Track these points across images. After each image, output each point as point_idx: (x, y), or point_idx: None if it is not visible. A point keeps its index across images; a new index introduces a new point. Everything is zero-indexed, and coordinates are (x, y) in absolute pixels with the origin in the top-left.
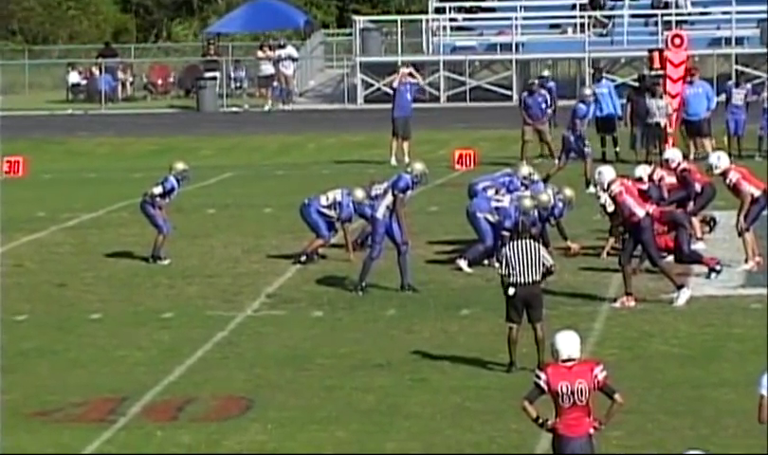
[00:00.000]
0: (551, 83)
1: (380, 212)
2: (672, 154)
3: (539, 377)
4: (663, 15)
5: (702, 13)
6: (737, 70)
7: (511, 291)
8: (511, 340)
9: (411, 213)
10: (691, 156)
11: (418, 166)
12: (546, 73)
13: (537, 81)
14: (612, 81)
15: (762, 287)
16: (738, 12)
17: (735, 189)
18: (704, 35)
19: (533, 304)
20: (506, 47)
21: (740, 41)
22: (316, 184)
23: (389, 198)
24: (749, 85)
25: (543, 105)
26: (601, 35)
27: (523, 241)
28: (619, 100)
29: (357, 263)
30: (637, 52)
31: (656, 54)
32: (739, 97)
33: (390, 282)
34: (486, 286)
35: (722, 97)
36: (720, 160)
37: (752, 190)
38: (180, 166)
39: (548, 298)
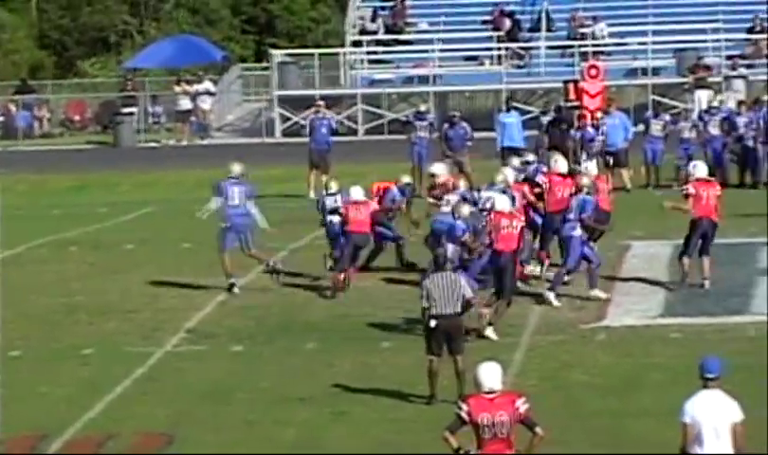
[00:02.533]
0: (431, 116)
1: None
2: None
3: (460, 408)
4: (579, 46)
5: (618, 44)
6: (653, 100)
7: (432, 323)
8: (431, 373)
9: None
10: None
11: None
12: (423, 108)
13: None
14: (528, 112)
15: (680, 317)
16: (654, 43)
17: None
18: (620, 66)
19: (454, 336)
20: (424, 80)
21: (656, 71)
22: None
23: None
24: (667, 116)
25: (464, 137)
26: (518, 67)
27: (444, 273)
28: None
29: (283, 296)
30: (554, 83)
31: (572, 85)
32: (657, 127)
33: (310, 315)
34: (407, 318)
35: (640, 127)
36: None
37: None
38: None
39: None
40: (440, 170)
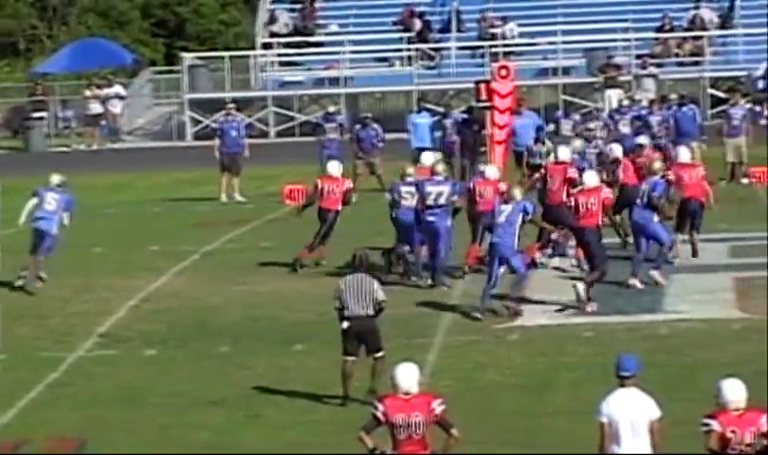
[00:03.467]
0: (340, 117)
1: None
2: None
3: (376, 408)
4: (490, 47)
5: (528, 44)
6: (564, 100)
7: (345, 325)
8: (345, 374)
9: (242, 250)
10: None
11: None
12: (332, 109)
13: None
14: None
15: (593, 316)
16: (564, 43)
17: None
18: (531, 66)
19: (367, 338)
20: (334, 82)
21: (566, 71)
22: (147, 222)
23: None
24: (577, 115)
25: (375, 139)
26: (429, 68)
27: (357, 275)
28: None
29: (203, 298)
30: (465, 84)
31: (483, 86)
32: (567, 127)
33: (223, 318)
34: (319, 321)
35: (551, 127)
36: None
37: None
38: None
39: (385, 330)
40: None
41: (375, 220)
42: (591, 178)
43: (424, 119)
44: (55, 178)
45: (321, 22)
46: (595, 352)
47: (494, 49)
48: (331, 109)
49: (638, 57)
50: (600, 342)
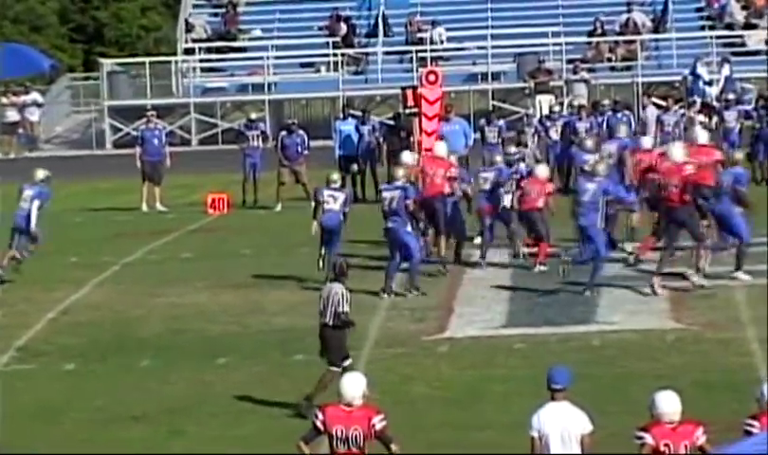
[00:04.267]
0: (262, 124)
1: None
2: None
3: (317, 417)
4: (417, 52)
5: (457, 49)
6: (494, 106)
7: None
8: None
9: (164, 261)
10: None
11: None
12: (254, 116)
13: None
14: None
15: (524, 327)
16: (493, 47)
17: None
18: (459, 71)
19: (325, 347)
20: (258, 88)
21: (496, 76)
22: (67, 233)
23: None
24: (501, 122)
25: (300, 146)
26: (355, 73)
27: (331, 283)
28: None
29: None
30: (392, 90)
31: (410, 92)
32: (492, 134)
33: (145, 331)
34: (243, 333)
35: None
36: None
37: None
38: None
39: (310, 342)
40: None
41: (301, 230)
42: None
43: (349, 126)
44: (39, 173)
45: (244, 27)
46: (526, 364)
47: (422, 54)
48: (253, 116)
49: (570, 62)
50: (531, 354)
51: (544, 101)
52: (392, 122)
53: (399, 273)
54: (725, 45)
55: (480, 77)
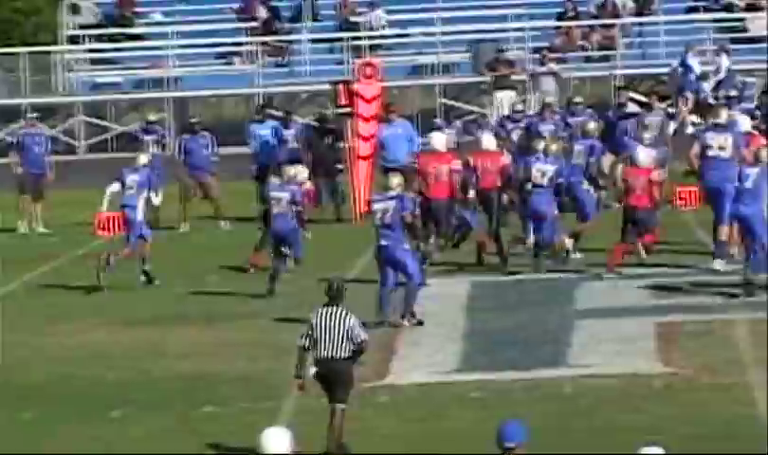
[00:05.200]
0: (159, 128)
1: None
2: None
3: None
4: (351, 39)
5: (399, 36)
6: (444, 104)
7: (313, 371)
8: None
9: (48, 293)
10: None
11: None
12: (153, 118)
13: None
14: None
15: (481, 371)
16: (443, 34)
17: None
18: (402, 63)
19: (335, 384)
20: (159, 83)
21: (447, 68)
22: None
23: None
24: (459, 123)
25: (206, 151)
26: (277, 66)
27: (333, 308)
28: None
29: None
30: (321, 85)
31: (342, 87)
32: (450, 137)
33: (27, 376)
34: (142, 380)
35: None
36: None
37: None
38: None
39: (222, 390)
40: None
41: (211, 254)
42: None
43: (267, 130)
44: (142, 158)
45: (142, 10)
46: (484, 416)
47: (356, 42)
48: (152, 118)
49: (535, 51)
50: (491, 404)
51: (505, 99)
52: (317, 124)
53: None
54: (723, 30)
55: (427, 69)
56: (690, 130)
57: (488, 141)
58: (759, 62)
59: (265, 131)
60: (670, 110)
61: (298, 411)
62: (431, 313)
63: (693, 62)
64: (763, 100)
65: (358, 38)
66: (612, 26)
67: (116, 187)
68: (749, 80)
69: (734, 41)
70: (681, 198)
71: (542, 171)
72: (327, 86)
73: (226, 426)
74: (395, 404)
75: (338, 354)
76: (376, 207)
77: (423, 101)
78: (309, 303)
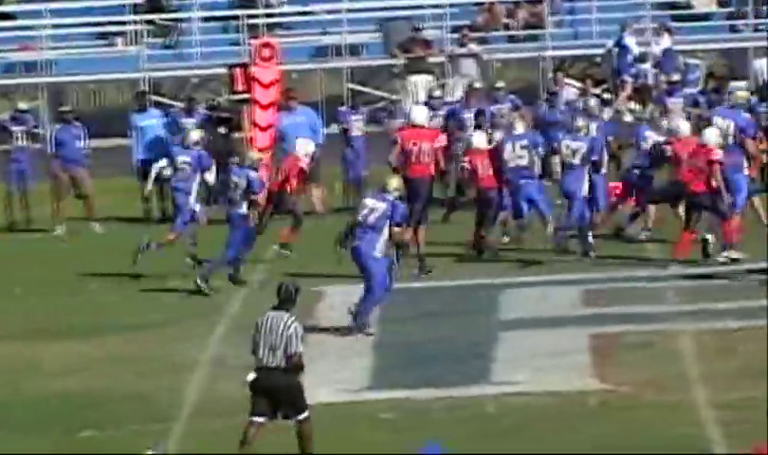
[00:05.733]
0: (30, 117)
1: None
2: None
3: None
4: (248, 18)
5: (301, 14)
6: (351, 90)
7: (249, 377)
8: (244, 439)
9: None
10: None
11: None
12: (23, 106)
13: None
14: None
15: (396, 389)
16: (350, 11)
17: None
18: (305, 43)
19: (280, 397)
20: (31, 67)
21: (354, 50)
22: None
23: None
24: (366, 110)
25: (79, 142)
26: (164, 47)
27: (278, 312)
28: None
29: None
30: (214, 69)
31: (238, 72)
32: (358, 125)
33: None
34: (13, 401)
35: (334, 127)
36: None
37: None
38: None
39: (104, 411)
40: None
41: (91, 258)
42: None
43: (152, 120)
44: (194, 135)
45: None
46: (398, 439)
47: (253, 21)
48: (23, 106)
49: (455, 30)
50: (405, 426)
51: (420, 84)
52: (210, 113)
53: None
54: (664, 6)
55: (332, 51)
56: (629, 118)
57: (419, 114)
58: (706, 41)
59: (147, 121)
60: (606, 96)
61: (189, 434)
62: (338, 323)
63: (630, 41)
64: (709, 84)
65: (255, 16)
66: (539, 2)
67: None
68: (693, 62)
69: (676, 18)
70: (616, 194)
71: (573, 149)
72: (221, 70)
73: (111, 451)
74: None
75: (275, 363)
76: (367, 201)
77: (328, 87)
78: (207, 313)
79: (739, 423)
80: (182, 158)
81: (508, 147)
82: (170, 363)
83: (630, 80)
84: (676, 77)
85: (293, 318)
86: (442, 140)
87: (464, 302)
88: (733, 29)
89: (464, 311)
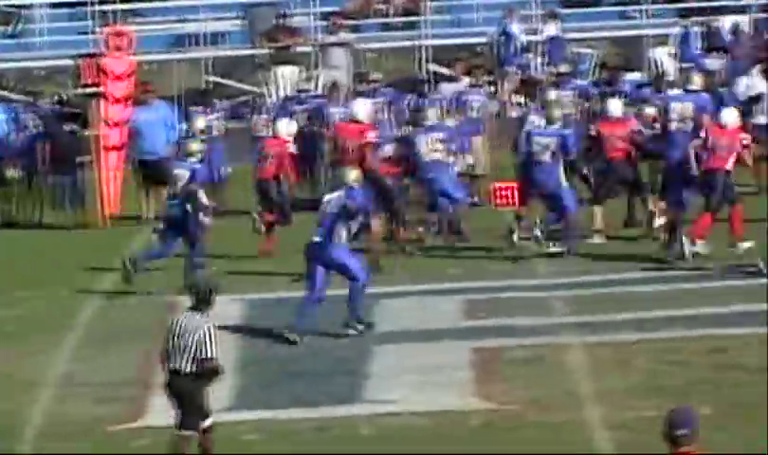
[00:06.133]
0: None
1: None
2: None
3: None
4: (98, 4)
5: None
6: (211, 83)
7: (164, 378)
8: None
9: None
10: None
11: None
12: None
13: None
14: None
15: (260, 409)
16: None
17: None
18: (161, 31)
19: (183, 403)
20: None
21: (214, 39)
22: None
23: None
24: (226, 104)
25: None
26: (7, 36)
27: (192, 313)
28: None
29: None
30: (61, 60)
31: (87, 63)
32: (217, 125)
33: None
34: None
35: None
36: None
37: None
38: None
39: None
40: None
41: None
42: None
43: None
44: (199, 122)
45: None
46: None
47: (105, 7)
48: None
49: (324, 17)
50: (270, 448)
51: (287, 76)
52: (56, 108)
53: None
54: None
55: (190, 40)
56: (515, 113)
57: (360, 108)
58: (597, 29)
59: None
60: (490, 88)
61: None
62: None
63: (515, 29)
64: (601, 75)
65: (106, 2)
66: None
67: None
68: (584, 51)
69: (565, 4)
70: (501, 196)
71: (544, 144)
72: (68, 61)
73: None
74: (155, 449)
75: (183, 368)
76: (327, 197)
77: (187, 79)
78: (52, 325)
79: (634, 445)
80: (180, 172)
81: (422, 140)
82: (10, 379)
83: (515, 71)
84: (564, 68)
85: (206, 321)
86: (371, 136)
87: (335, 314)
88: (626, 16)
89: (335, 323)
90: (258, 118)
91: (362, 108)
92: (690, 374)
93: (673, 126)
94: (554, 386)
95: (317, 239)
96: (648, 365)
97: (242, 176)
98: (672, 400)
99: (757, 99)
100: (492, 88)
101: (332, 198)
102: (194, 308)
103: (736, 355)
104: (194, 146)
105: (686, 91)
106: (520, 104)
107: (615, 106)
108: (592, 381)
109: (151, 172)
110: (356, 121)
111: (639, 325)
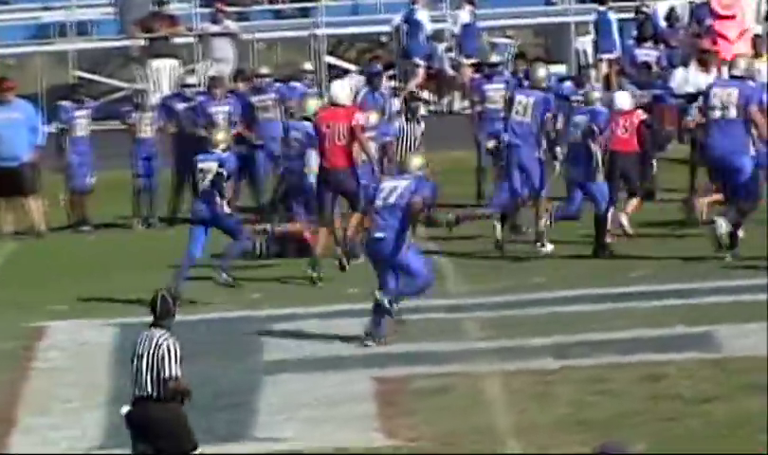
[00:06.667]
0: None
1: None
2: None
3: None
4: None
5: None
6: (79, 79)
7: (124, 410)
8: None
9: None
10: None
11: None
12: None
13: None
14: None
15: (127, 448)
16: None
17: None
18: (22, 22)
19: (150, 435)
20: None
21: (82, 29)
22: None
23: None
24: (92, 103)
25: None
26: None
27: (152, 331)
28: None
29: None
30: None
31: None
32: (82, 121)
33: None
34: None
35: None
36: None
37: None
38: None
39: None
40: None
41: None
42: None
43: None
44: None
45: None
46: None
47: None
48: None
49: (207, 3)
50: None
51: (164, 70)
52: None
53: None
54: None
55: (55, 30)
56: (422, 111)
57: (340, 90)
58: (516, 16)
59: None
60: (393, 83)
61: None
62: (63, 369)
63: (423, 16)
64: (518, 66)
65: None
66: None
67: None
68: (502, 41)
69: None
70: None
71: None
72: None
73: None
74: None
75: (147, 393)
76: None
77: (51, 75)
78: None
79: None
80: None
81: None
82: None
83: (422, 63)
84: (495, 58)
85: (165, 336)
86: (360, 119)
87: (220, 340)
88: (549, 2)
89: (220, 351)
90: (141, 116)
91: (341, 91)
92: (621, 406)
93: (716, 114)
94: (467, 419)
95: (379, 235)
96: (573, 395)
97: (114, 185)
98: (600, 434)
99: (695, 96)
100: (395, 83)
101: (395, 186)
102: (155, 324)
103: (672, 384)
104: (220, 136)
105: (732, 77)
106: (426, 101)
107: (624, 99)
108: (510, 414)
109: (7, 182)
110: (338, 105)
111: (562, 351)
